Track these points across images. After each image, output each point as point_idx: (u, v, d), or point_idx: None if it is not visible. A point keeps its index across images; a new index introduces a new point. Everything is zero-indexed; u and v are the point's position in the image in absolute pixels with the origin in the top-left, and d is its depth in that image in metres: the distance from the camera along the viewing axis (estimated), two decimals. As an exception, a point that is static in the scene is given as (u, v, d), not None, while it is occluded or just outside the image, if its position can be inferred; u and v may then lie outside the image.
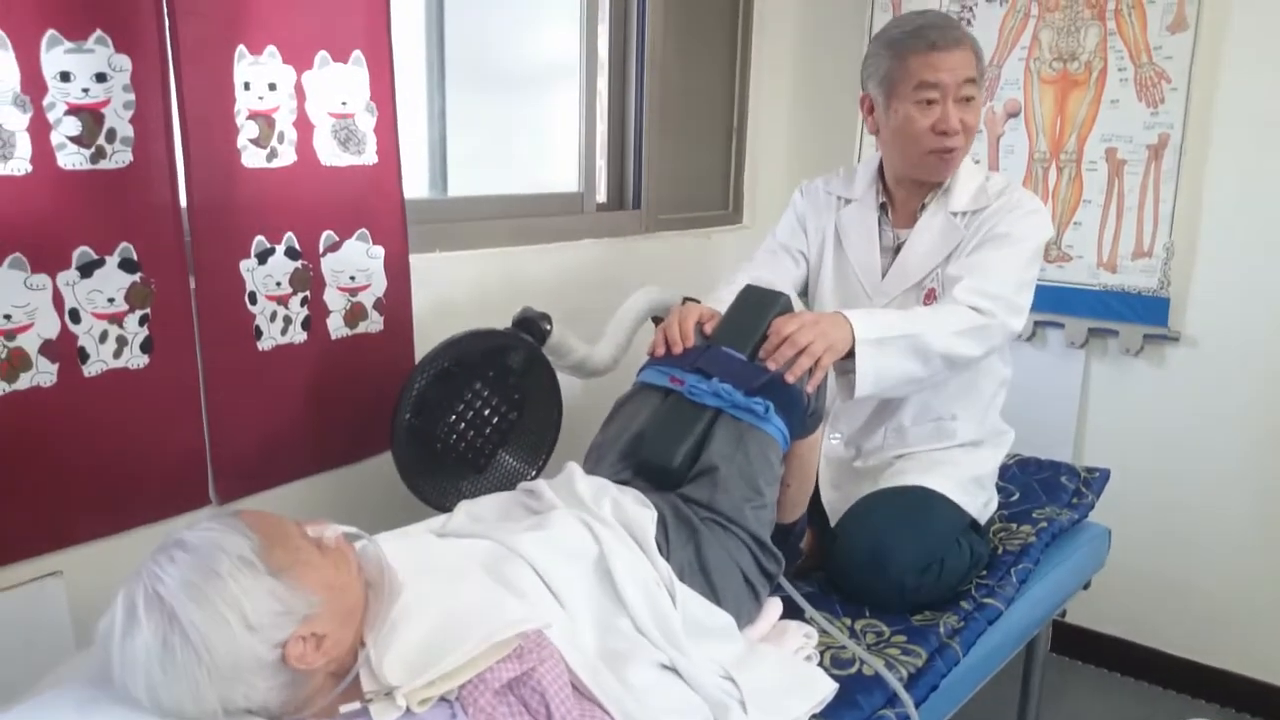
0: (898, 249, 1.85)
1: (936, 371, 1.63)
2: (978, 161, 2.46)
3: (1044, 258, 1.82)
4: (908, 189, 1.84)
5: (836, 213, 1.92)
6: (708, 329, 1.61)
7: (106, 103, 1.43)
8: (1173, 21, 2.28)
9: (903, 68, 1.73)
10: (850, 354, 1.56)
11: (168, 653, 0.91)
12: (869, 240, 1.87)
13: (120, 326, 1.49)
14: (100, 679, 0.96)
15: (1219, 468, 2.38)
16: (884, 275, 1.84)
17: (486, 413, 1.82)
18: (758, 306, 1.58)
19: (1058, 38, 2.44)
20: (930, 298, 1.79)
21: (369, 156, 1.79)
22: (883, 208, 1.88)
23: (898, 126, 1.76)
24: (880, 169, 1.89)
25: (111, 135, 1.44)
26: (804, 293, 1.98)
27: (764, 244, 2.01)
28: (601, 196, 2.52)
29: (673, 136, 2.60)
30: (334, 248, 1.77)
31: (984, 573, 1.72)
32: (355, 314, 1.82)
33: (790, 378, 1.49)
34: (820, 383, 1.53)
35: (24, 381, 1.39)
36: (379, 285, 1.85)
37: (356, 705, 0.99)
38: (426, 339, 1.83)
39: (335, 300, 1.79)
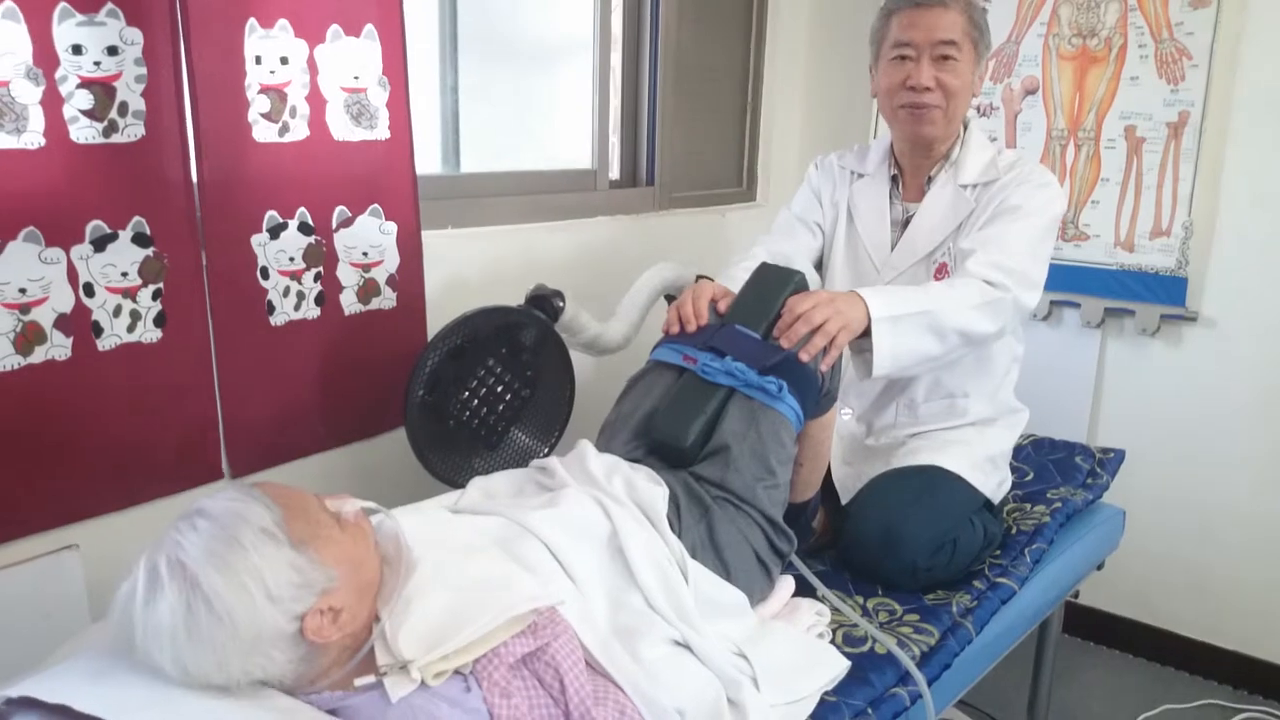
0: (906, 222, 1.84)
1: (953, 348, 1.62)
2: (994, 139, 2.45)
3: (1061, 236, 1.81)
4: (914, 160, 1.84)
5: (849, 187, 1.92)
6: (721, 307, 1.60)
7: (118, 76, 1.42)
8: (1195, -3, 2.25)
9: (886, 27, 1.77)
10: (866, 333, 1.55)
11: (192, 619, 0.92)
12: (879, 214, 1.87)
13: (134, 301, 1.49)
14: (115, 649, 0.96)
15: (1235, 449, 2.36)
16: (893, 248, 1.84)
17: (499, 390, 1.82)
18: (772, 285, 1.57)
19: (1077, 13, 2.41)
20: (941, 271, 1.78)
21: (381, 131, 1.78)
22: (894, 180, 1.87)
23: (878, 84, 1.80)
24: (892, 143, 1.88)
25: (123, 109, 1.43)
26: (820, 264, 1.97)
27: (778, 219, 2.00)
28: (615, 173, 2.51)
29: (686, 113, 2.58)
30: (347, 223, 1.76)
31: (997, 552, 1.72)
32: (368, 290, 1.82)
33: (804, 356, 1.48)
34: (834, 362, 1.52)
35: (39, 355, 1.39)
36: (391, 261, 1.85)
37: (371, 679, 0.99)
38: (439, 316, 1.83)
39: (348, 276, 1.79)
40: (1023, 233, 1.68)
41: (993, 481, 1.76)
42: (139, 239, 1.48)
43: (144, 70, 1.45)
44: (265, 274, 1.66)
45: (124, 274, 1.47)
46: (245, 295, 1.64)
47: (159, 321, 1.53)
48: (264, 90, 1.60)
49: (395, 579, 1.08)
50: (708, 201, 2.71)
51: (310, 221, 1.71)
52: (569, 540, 1.26)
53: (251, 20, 1.57)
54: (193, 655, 0.92)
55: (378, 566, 1.08)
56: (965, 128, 1.82)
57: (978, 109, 2.56)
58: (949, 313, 1.58)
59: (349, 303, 1.80)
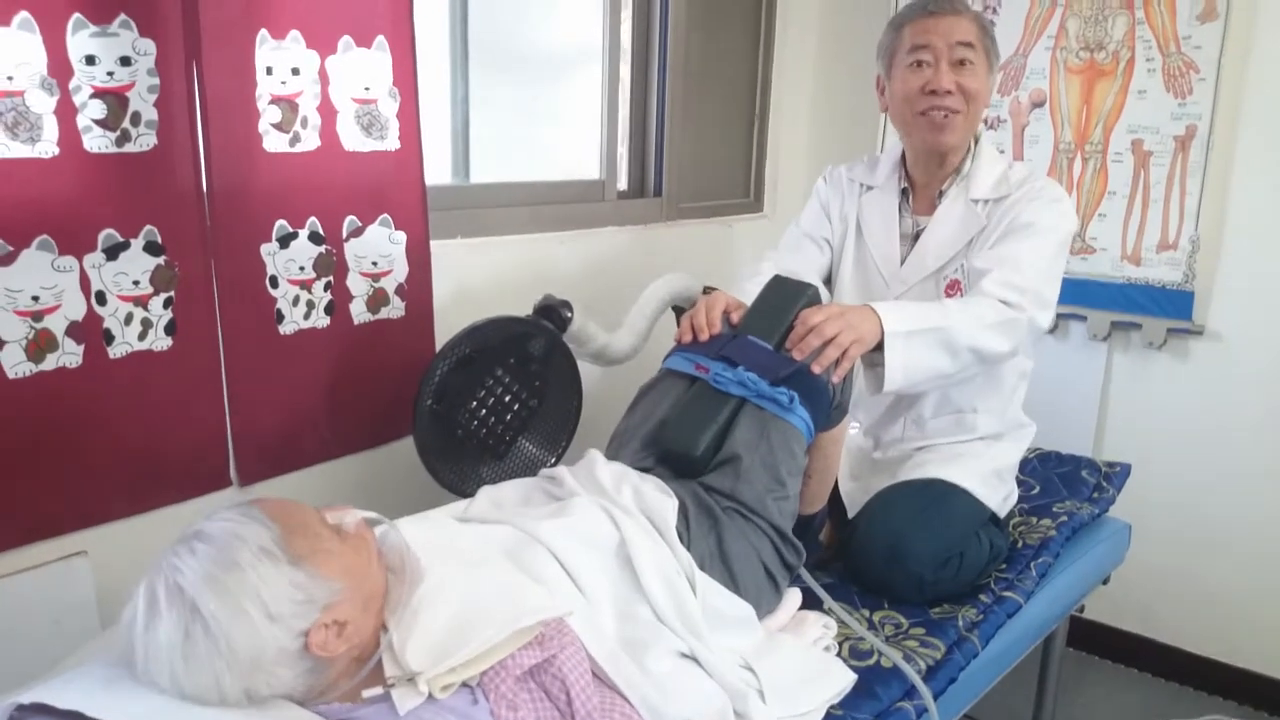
0: (917, 236, 1.84)
1: (966, 366, 1.61)
2: (1002, 151, 2.45)
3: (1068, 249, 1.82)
4: (926, 173, 1.83)
5: (859, 199, 1.91)
6: (734, 318, 1.60)
7: (131, 86, 1.43)
8: (1202, 11, 2.25)
9: (899, 36, 1.77)
10: (879, 347, 1.55)
11: (190, 644, 0.92)
12: (888, 227, 1.86)
13: (145, 309, 1.50)
14: (127, 657, 0.96)
15: (1241, 463, 2.36)
16: (902, 262, 1.83)
17: (507, 399, 1.82)
18: (785, 297, 1.58)
19: (1085, 27, 2.41)
20: (954, 288, 1.77)
21: (391, 142, 1.79)
22: (904, 194, 1.87)
23: (894, 93, 1.79)
24: (903, 155, 1.88)
25: (136, 118, 1.44)
26: (829, 280, 1.97)
27: (786, 235, 2.00)
28: (623, 184, 2.51)
29: (694, 124, 2.59)
30: (357, 233, 1.77)
31: (1003, 566, 1.72)
32: (377, 300, 1.83)
33: (816, 368, 1.48)
34: (846, 374, 1.52)
35: (50, 362, 1.40)
36: (400, 271, 1.86)
37: (379, 690, 1.00)
38: (447, 325, 1.84)
39: (358, 285, 1.79)
40: (1036, 251, 1.68)
41: (999, 495, 1.76)
42: (150, 248, 1.49)
43: (156, 80, 1.46)
44: (275, 283, 1.67)
45: (135, 282, 1.48)
46: (253, 304, 1.65)
47: (170, 330, 1.54)
48: (275, 101, 1.61)
49: (401, 589, 1.08)
50: (715, 212, 2.71)
51: (321, 231, 1.71)
52: (577, 550, 1.26)
53: (263, 31, 1.57)
54: (189, 679, 0.93)
55: (382, 577, 1.07)
56: (976, 141, 1.82)
57: (985, 121, 2.56)
58: (963, 331, 1.58)
59: (358, 312, 1.81)
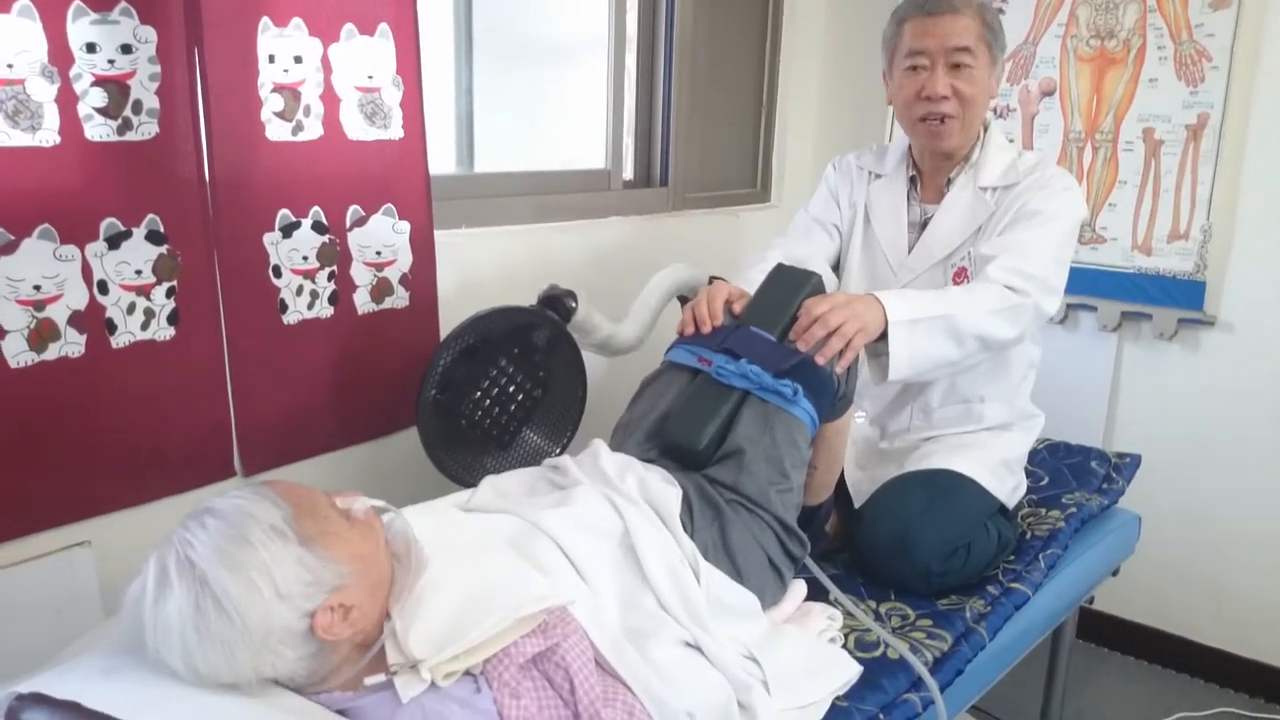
0: (924, 224, 1.82)
1: (971, 354, 1.60)
2: (1012, 140, 2.43)
3: (1078, 239, 1.81)
4: (933, 163, 1.82)
5: (867, 187, 1.90)
6: (737, 309, 1.59)
7: (132, 74, 1.42)
8: (1215, -2, 2.23)
9: (899, 35, 1.75)
10: (883, 336, 1.53)
11: (201, 617, 0.92)
12: (896, 215, 1.85)
13: (148, 298, 1.49)
14: (126, 646, 0.96)
15: (1252, 455, 2.34)
16: (910, 250, 1.82)
17: (511, 390, 1.81)
18: (788, 286, 1.56)
19: (1096, 15, 2.39)
20: (960, 276, 1.76)
21: (395, 131, 1.78)
22: (912, 181, 1.85)
23: (894, 94, 1.78)
24: (910, 144, 1.86)
25: (137, 107, 1.43)
26: (837, 266, 1.95)
27: (795, 220, 1.99)
28: (628, 174, 2.50)
29: (701, 114, 2.57)
30: (360, 222, 1.76)
31: (1012, 558, 1.71)
32: (381, 289, 1.82)
33: (820, 360, 1.47)
34: (850, 365, 1.51)
35: (52, 352, 1.40)
36: (404, 261, 1.85)
37: (382, 677, 0.99)
38: (451, 315, 1.83)
39: (361, 275, 1.78)
40: (1044, 238, 1.67)
41: (1007, 486, 1.75)
42: (153, 237, 1.48)
43: (158, 68, 1.45)
44: (278, 272, 1.66)
45: (138, 272, 1.47)
46: (256, 294, 1.64)
47: (172, 319, 1.53)
48: (277, 89, 1.60)
49: (406, 577, 1.08)
50: (721, 202, 2.70)
51: (324, 220, 1.71)
52: (581, 539, 1.25)
53: (265, 19, 1.57)
54: (202, 654, 0.92)
55: (388, 564, 1.07)
56: (985, 129, 1.81)
57: (994, 110, 2.54)
58: (968, 318, 1.57)
59: (362, 302, 1.80)
